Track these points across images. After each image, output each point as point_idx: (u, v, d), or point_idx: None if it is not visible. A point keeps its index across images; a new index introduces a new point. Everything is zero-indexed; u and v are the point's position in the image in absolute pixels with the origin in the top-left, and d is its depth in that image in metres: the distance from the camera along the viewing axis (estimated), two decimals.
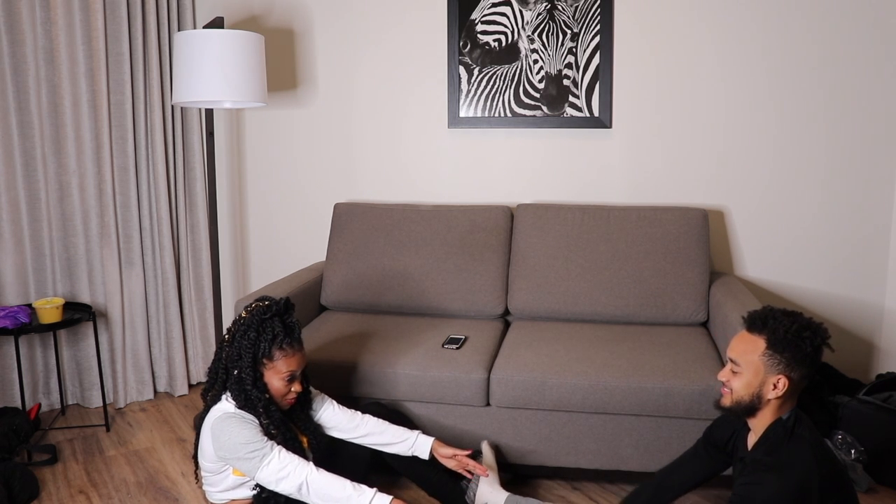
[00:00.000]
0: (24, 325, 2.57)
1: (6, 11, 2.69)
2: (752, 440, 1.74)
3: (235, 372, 1.87)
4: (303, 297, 2.80)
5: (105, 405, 2.83)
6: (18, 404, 2.83)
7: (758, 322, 1.65)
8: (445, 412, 2.40)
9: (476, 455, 2.31)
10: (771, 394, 1.62)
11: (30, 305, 2.72)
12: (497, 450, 2.37)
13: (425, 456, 2.10)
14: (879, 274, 2.92)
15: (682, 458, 1.95)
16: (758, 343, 1.63)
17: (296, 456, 1.82)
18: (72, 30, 2.82)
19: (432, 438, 2.11)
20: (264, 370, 1.89)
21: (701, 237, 2.77)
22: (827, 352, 2.97)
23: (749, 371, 1.63)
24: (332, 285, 2.93)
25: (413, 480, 2.18)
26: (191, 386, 3.34)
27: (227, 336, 1.93)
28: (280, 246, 3.40)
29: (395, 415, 2.31)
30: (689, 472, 1.92)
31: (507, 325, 2.88)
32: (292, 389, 1.92)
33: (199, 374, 3.34)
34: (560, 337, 2.58)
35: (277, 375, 1.89)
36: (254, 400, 1.86)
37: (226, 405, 1.88)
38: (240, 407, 1.87)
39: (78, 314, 2.75)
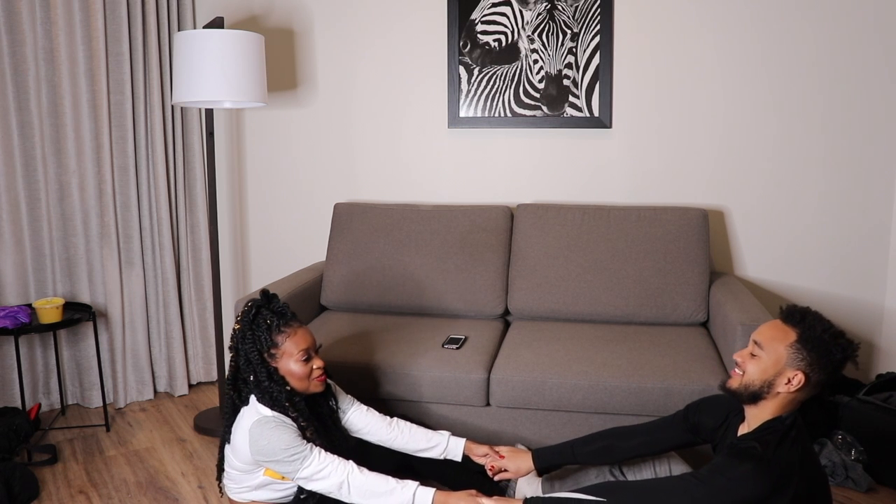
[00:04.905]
0: (24, 325, 2.57)
1: (6, 11, 2.69)
2: (742, 431, 1.71)
3: (251, 378, 1.86)
4: (303, 297, 2.80)
5: (105, 405, 2.83)
6: (18, 404, 2.83)
7: (796, 315, 1.61)
8: (445, 412, 2.40)
9: None
10: (783, 387, 1.58)
11: (30, 305, 2.72)
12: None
13: (458, 458, 2.05)
14: (879, 274, 2.92)
15: (654, 424, 1.90)
16: (789, 334, 1.59)
17: (335, 456, 1.81)
18: (72, 30, 2.82)
19: (463, 440, 2.06)
20: (276, 362, 1.87)
21: (701, 237, 2.77)
22: None
23: (770, 357, 1.59)
24: (332, 285, 2.93)
25: (443, 483, 2.14)
26: (191, 386, 3.34)
27: (231, 353, 1.92)
28: (280, 246, 3.40)
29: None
30: (654, 439, 1.88)
31: (507, 325, 2.88)
32: (314, 367, 1.89)
33: (199, 374, 3.34)
34: (560, 337, 2.58)
35: (292, 359, 1.86)
36: (276, 395, 1.84)
37: (261, 408, 1.86)
38: (273, 410, 1.85)
39: (78, 314, 2.75)
